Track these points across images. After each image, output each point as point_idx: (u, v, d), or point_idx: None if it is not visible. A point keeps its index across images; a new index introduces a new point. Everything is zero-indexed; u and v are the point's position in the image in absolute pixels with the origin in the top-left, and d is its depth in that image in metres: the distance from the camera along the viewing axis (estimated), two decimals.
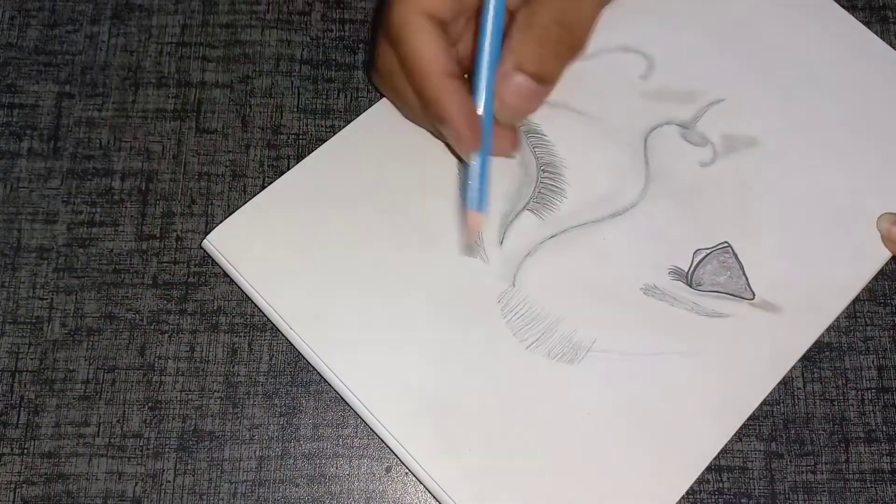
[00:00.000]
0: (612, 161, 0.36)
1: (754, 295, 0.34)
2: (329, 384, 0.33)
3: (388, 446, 0.32)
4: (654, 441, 0.32)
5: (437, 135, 0.34)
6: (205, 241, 0.34)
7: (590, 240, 0.35)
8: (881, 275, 0.36)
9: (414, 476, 0.32)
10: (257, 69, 0.38)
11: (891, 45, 0.38)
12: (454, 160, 0.35)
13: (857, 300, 0.35)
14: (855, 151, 0.36)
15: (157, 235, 0.36)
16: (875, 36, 0.38)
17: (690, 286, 0.34)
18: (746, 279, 0.34)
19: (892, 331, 0.35)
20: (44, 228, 0.36)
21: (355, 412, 0.33)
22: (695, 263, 0.35)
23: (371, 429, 0.32)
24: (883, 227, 0.35)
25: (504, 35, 0.31)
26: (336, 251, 0.34)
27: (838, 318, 0.35)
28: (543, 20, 0.30)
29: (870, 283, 0.35)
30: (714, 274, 0.34)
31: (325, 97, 0.38)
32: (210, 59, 0.38)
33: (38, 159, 0.36)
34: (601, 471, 0.32)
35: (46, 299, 0.35)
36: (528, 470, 0.32)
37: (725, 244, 0.35)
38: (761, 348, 0.33)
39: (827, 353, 0.35)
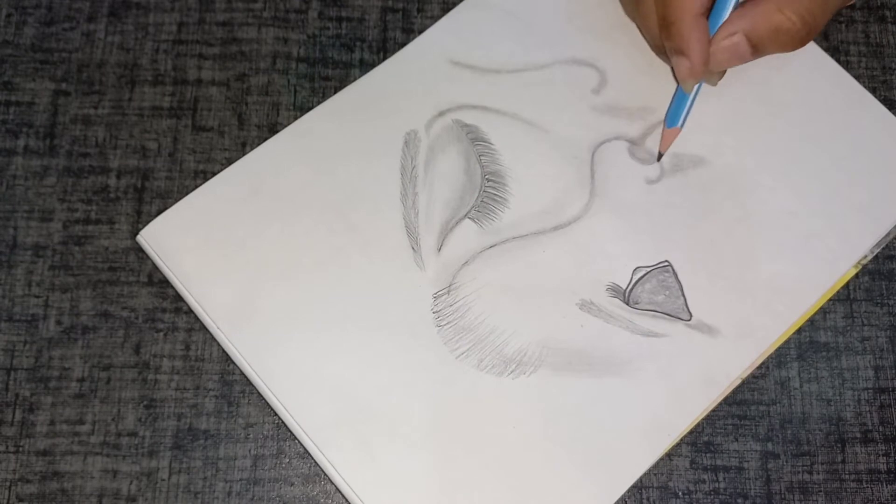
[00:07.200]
0: (558, 173, 0.35)
1: (691, 316, 0.34)
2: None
3: (308, 452, 0.32)
4: (580, 458, 0.32)
5: (660, 53, 0.36)
6: (139, 236, 0.34)
7: (529, 252, 0.34)
8: (878, 275, 0.36)
9: (331, 482, 0.32)
10: (254, 67, 0.38)
11: (891, 44, 0.38)
12: (397, 162, 0.35)
13: (853, 300, 0.35)
14: (804, 174, 0.36)
15: None
16: (827, 55, 0.37)
17: (627, 304, 0.34)
18: (685, 299, 0.34)
19: (888, 331, 0.35)
20: (39, 226, 0.36)
21: (278, 417, 0.33)
22: (633, 281, 0.34)
23: (294, 435, 0.32)
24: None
25: None
26: (270, 252, 0.34)
27: (835, 318, 0.35)
28: None
29: (867, 283, 0.35)
30: (652, 293, 0.34)
31: (321, 95, 0.38)
32: (206, 56, 0.38)
33: (34, 157, 0.36)
34: (522, 485, 0.31)
35: (42, 297, 0.35)
36: (449, 480, 0.31)
37: (666, 263, 0.34)
38: (695, 370, 0.33)
39: (823, 354, 0.35)
